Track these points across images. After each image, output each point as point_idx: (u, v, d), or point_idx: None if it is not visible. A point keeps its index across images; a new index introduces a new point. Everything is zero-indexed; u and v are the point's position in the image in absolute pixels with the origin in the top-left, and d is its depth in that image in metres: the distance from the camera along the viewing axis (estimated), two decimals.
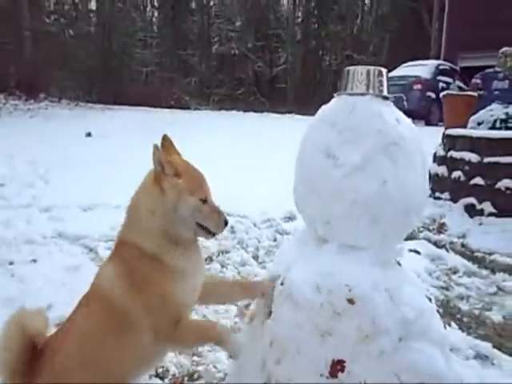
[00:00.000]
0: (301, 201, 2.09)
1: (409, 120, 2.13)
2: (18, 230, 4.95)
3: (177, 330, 1.83)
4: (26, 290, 3.77)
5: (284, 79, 28.85)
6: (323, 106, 2.19)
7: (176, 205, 1.78)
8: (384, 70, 2.12)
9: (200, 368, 3.05)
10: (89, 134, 11.44)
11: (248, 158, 8.98)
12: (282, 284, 1.93)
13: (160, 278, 1.79)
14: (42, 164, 7.91)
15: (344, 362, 1.74)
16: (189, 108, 19.65)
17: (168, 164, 1.78)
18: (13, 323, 1.76)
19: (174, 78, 25.25)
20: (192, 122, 14.59)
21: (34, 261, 4.34)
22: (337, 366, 1.75)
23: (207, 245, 4.90)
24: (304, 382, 1.81)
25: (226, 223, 1.90)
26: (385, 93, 2.10)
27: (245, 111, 17.56)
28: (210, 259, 4.60)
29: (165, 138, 1.97)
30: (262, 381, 1.88)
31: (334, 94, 2.19)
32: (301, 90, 27.26)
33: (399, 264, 2.04)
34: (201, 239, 2.02)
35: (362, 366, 1.74)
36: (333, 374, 1.75)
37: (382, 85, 2.10)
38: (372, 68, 2.08)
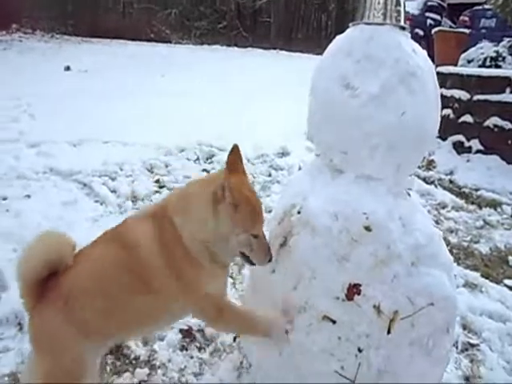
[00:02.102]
0: (316, 130, 2.08)
1: (423, 51, 2.11)
2: (8, 166, 4.84)
3: (220, 319, 1.89)
4: (24, 225, 3.75)
5: (267, 13, 27.78)
6: (338, 36, 2.14)
7: (227, 236, 1.74)
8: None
9: None
10: (68, 68, 10.98)
11: (237, 93, 8.81)
12: (298, 213, 1.97)
13: (193, 271, 1.81)
14: (24, 99, 7.61)
15: (360, 285, 1.83)
16: (169, 42, 18.90)
17: (229, 192, 1.68)
18: (40, 241, 1.76)
19: (153, 10, 24.05)
20: (173, 56, 14.11)
21: (28, 196, 4.29)
22: (353, 290, 1.83)
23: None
24: (320, 305, 1.89)
25: (270, 260, 1.85)
26: (402, 23, 2.06)
27: (228, 46, 17.01)
28: None
29: (234, 151, 1.82)
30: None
31: (350, 24, 2.14)
32: (284, 25, 26.38)
33: (409, 194, 2.10)
34: None
35: (377, 289, 1.83)
36: (349, 296, 1.83)
37: (399, 14, 2.06)
38: None
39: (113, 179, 4.77)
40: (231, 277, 3.40)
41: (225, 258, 1.88)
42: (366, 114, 1.90)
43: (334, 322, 1.87)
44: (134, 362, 2.50)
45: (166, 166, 5.25)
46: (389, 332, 1.84)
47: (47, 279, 1.75)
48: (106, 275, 1.79)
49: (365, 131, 1.90)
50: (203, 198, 1.73)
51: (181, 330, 2.80)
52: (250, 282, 2.33)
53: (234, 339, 2.66)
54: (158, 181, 4.86)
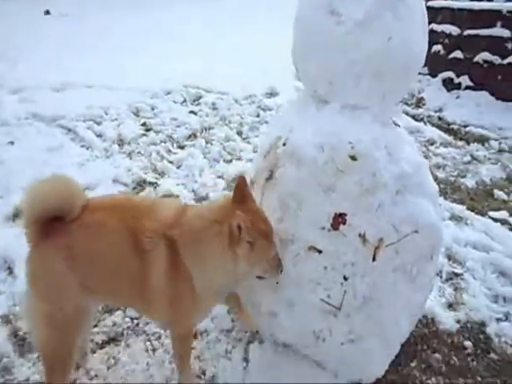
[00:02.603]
0: (301, 61, 2.02)
1: None
2: None
3: (180, 340, 1.96)
4: (9, 172, 3.72)
5: None
6: None
7: (247, 272, 1.75)
8: None
9: None
10: (47, 12, 10.53)
11: (226, 34, 8.53)
12: (284, 145, 1.95)
13: (191, 307, 1.81)
14: (3, 44, 7.32)
15: (345, 214, 1.84)
16: None
17: (247, 232, 1.64)
18: (47, 184, 1.72)
19: None
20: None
21: (12, 143, 4.22)
22: (338, 219, 1.84)
23: (188, 121, 4.85)
24: (306, 236, 1.91)
25: (281, 271, 1.85)
26: None
27: None
28: (193, 136, 4.57)
29: (240, 181, 1.74)
30: None
31: None
32: None
33: (397, 125, 2.07)
34: None
35: (362, 218, 1.85)
36: (335, 226, 1.85)
37: None
38: None
39: (98, 123, 4.69)
40: None
41: (233, 289, 1.92)
42: (352, 40, 1.83)
43: (320, 251, 1.90)
44: None
45: (153, 109, 5.15)
46: (374, 259, 1.88)
47: (54, 219, 1.70)
48: (112, 255, 1.76)
49: (350, 59, 1.84)
50: (218, 245, 1.67)
51: None
52: None
53: None
54: (144, 124, 4.78)
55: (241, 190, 1.72)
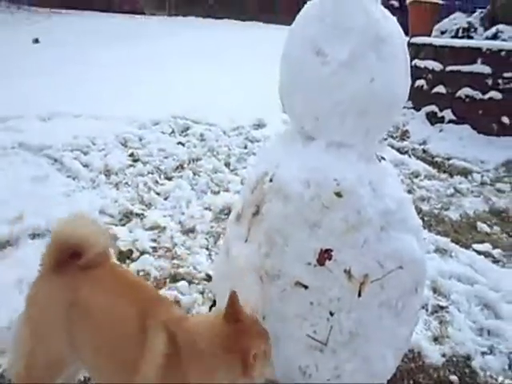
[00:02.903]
0: (288, 98, 2.07)
1: (393, 16, 2.10)
2: None
3: None
4: None
5: None
6: (310, 1, 2.11)
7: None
8: None
9: (181, 270, 3.18)
10: (36, 41, 10.58)
11: (214, 65, 8.67)
12: (270, 180, 1.98)
13: None
14: None
15: (331, 250, 1.86)
16: (143, 13, 18.34)
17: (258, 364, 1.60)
18: (69, 225, 1.73)
19: None
20: (149, 28, 13.73)
21: None
22: (324, 255, 1.86)
23: (176, 152, 4.88)
24: (293, 271, 1.92)
25: None
26: None
27: (203, 17, 16.62)
28: (181, 167, 4.60)
29: (232, 299, 1.64)
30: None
31: None
32: None
33: (383, 158, 2.12)
34: None
35: (348, 254, 1.86)
36: (321, 262, 1.86)
37: None
38: None
39: (85, 153, 4.69)
40: (207, 248, 3.43)
41: None
42: (337, 81, 1.89)
43: (306, 287, 1.91)
44: None
45: (140, 140, 5.18)
46: (359, 295, 1.89)
47: (75, 258, 1.66)
48: (113, 325, 1.65)
49: (335, 98, 1.90)
50: (230, 376, 1.58)
51: None
52: (223, 252, 2.34)
53: (210, 308, 2.69)
54: (132, 154, 4.80)
55: (233, 307, 1.62)
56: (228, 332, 1.60)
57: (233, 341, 1.58)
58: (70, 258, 1.67)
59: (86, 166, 4.46)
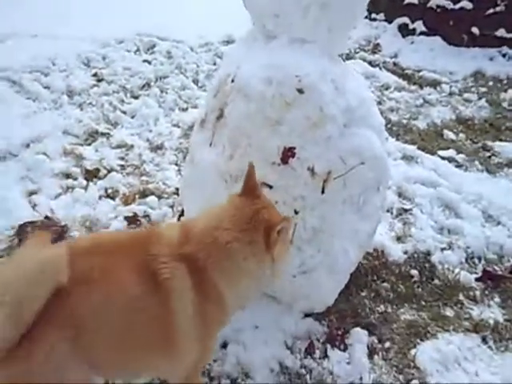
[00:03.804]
0: None
1: None
2: None
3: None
4: None
5: None
6: None
7: (279, 269, 1.59)
8: None
9: (150, 186, 3.17)
10: None
11: None
12: (232, 81, 1.94)
13: (219, 322, 1.61)
14: None
15: (294, 148, 1.87)
16: None
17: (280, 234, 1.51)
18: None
19: None
20: None
21: None
22: (288, 153, 1.87)
23: (142, 70, 4.71)
24: (257, 172, 1.93)
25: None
26: None
27: None
28: (148, 85, 4.45)
29: (250, 173, 1.57)
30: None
31: None
32: None
33: (344, 60, 2.09)
34: None
35: (311, 151, 1.88)
36: (284, 160, 1.88)
37: None
38: None
39: (45, 75, 4.46)
40: (176, 164, 3.41)
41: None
42: None
43: (270, 187, 1.94)
44: None
45: (104, 59, 4.94)
46: (323, 192, 1.93)
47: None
48: (127, 303, 1.43)
49: None
50: (255, 255, 1.50)
51: (126, 218, 2.84)
52: (188, 160, 2.34)
53: (179, 218, 2.73)
54: (95, 74, 4.59)
55: (251, 180, 1.57)
56: (249, 206, 1.52)
57: (255, 214, 1.50)
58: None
59: (46, 87, 4.26)
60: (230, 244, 1.48)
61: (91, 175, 3.21)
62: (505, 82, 4.97)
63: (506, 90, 4.74)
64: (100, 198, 3.03)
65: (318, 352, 2.10)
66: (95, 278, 1.38)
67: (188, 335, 1.48)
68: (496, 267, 2.62)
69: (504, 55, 5.42)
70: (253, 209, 1.52)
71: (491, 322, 2.29)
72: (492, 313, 2.35)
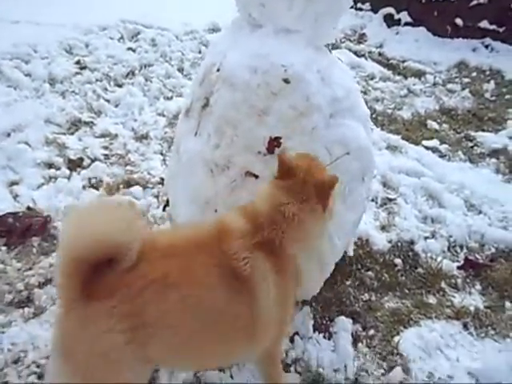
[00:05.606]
0: None
1: None
2: None
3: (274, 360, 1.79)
4: None
5: None
6: None
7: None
8: None
9: (134, 176, 3.15)
10: None
11: None
12: (218, 70, 1.92)
13: (292, 300, 1.66)
14: None
15: (280, 138, 1.87)
16: None
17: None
18: (102, 216, 1.35)
19: None
20: None
21: None
22: (273, 143, 1.87)
23: (126, 58, 4.65)
24: (243, 161, 1.93)
25: None
26: None
27: None
28: (132, 73, 4.40)
29: (281, 159, 1.60)
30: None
31: None
32: None
33: (330, 51, 2.09)
34: None
35: (296, 141, 1.88)
36: (270, 149, 1.88)
37: None
38: None
39: (26, 62, 4.38)
40: (161, 153, 3.39)
41: None
42: None
43: (256, 176, 1.94)
44: None
45: (87, 46, 4.87)
46: None
47: (100, 268, 1.31)
48: (207, 303, 1.44)
49: None
50: (316, 220, 1.59)
51: None
52: (174, 150, 2.32)
53: (164, 208, 2.72)
54: (78, 62, 4.53)
55: (284, 165, 1.59)
56: (295, 180, 1.57)
57: (304, 184, 1.56)
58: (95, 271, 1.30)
59: (28, 75, 4.18)
60: (296, 216, 1.54)
61: (74, 165, 3.17)
62: (487, 72, 5.03)
63: (488, 81, 4.80)
64: (84, 188, 3.00)
65: (302, 340, 2.12)
66: (173, 281, 1.38)
67: (271, 317, 1.53)
68: (477, 255, 2.67)
69: (487, 46, 5.48)
70: (300, 180, 1.57)
71: (472, 309, 2.34)
72: (473, 300, 2.40)
